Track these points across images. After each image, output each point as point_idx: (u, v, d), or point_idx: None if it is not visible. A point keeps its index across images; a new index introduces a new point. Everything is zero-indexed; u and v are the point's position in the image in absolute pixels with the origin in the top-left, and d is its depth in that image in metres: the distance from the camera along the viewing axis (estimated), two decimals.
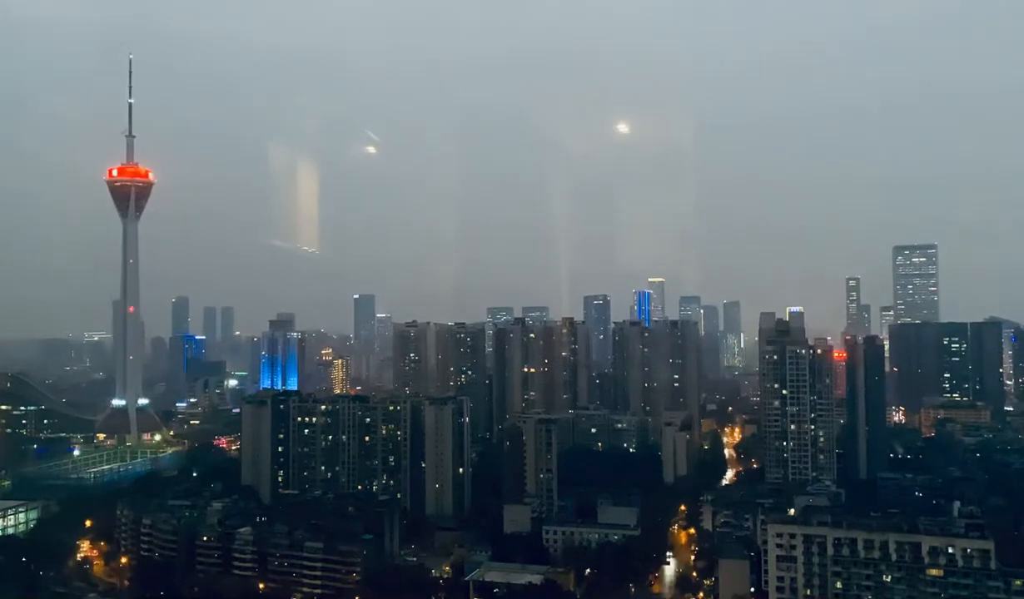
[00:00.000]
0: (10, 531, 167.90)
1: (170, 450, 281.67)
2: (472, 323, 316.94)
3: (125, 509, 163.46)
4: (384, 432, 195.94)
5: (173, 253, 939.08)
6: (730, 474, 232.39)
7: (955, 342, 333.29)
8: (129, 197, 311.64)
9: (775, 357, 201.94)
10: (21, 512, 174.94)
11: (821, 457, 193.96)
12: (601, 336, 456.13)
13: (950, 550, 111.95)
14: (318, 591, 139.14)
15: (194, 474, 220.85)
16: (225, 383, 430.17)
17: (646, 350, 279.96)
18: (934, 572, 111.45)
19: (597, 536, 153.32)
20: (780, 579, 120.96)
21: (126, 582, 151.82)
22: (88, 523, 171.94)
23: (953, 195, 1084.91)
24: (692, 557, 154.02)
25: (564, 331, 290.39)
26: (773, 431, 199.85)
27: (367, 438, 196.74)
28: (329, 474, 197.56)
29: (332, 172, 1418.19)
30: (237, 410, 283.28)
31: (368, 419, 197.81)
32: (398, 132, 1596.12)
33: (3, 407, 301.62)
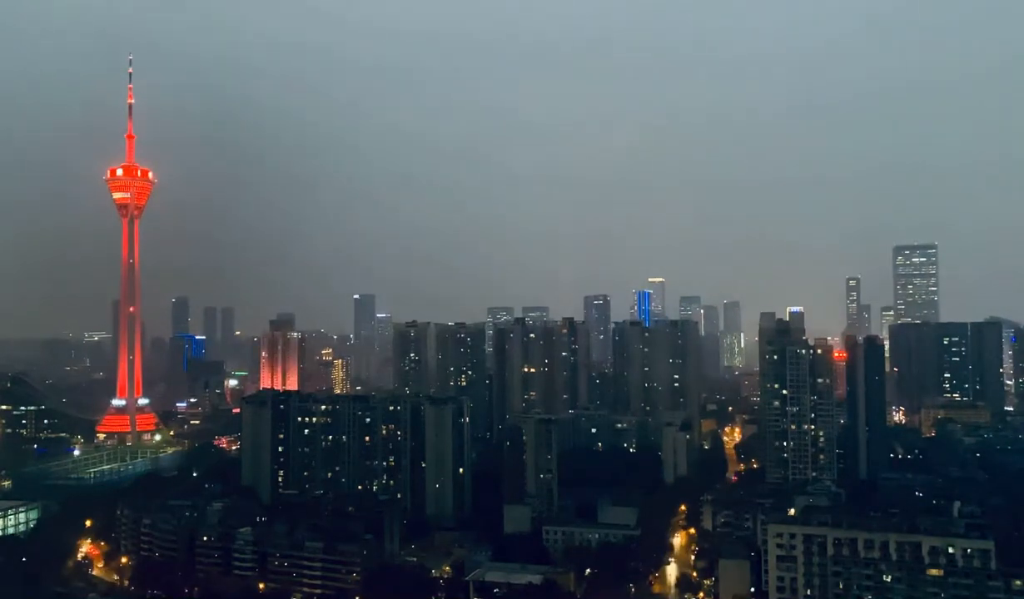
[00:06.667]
0: (10, 531, 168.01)
1: (170, 450, 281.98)
2: (472, 323, 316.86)
3: (125, 509, 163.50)
4: (384, 432, 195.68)
5: (173, 253, 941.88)
6: (730, 474, 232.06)
7: (955, 342, 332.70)
8: (129, 197, 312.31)
9: (775, 357, 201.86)
10: (21, 512, 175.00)
11: (821, 457, 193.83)
12: (601, 336, 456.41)
13: (950, 550, 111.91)
14: (318, 591, 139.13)
15: (194, 474, 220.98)
16: (225, 383, 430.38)
17: (646, 350, 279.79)
18: (934, 572, 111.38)
19: (597, 536, 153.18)
20: (780, 579, 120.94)
21: (126, 582, 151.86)
22: (88, 523, 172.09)
23: (954, 195, 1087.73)
24: (692, 557, 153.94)
25: (564, 331, 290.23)
26: (773, 431, 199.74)
27: (367, 438, 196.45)
28: (329, 474, 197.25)
29: (333, 172, 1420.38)
30: (237, 410, 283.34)
31: (368, 419, 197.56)
32: (398, 132, 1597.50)
33: (3, 407, 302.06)
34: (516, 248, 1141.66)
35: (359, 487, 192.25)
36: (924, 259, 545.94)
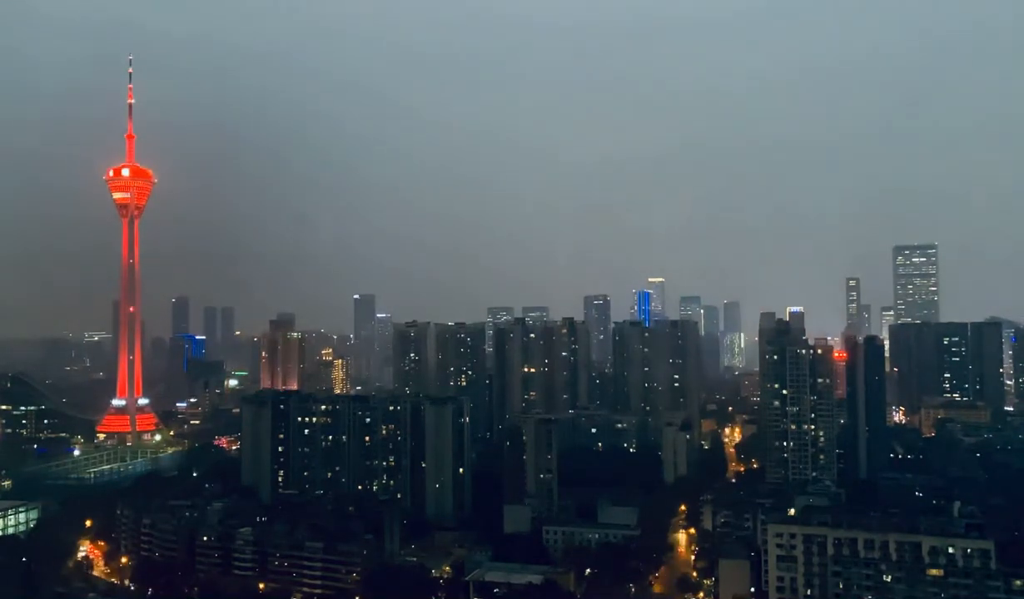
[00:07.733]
0: (10, 531, 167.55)
1: (170, 450, 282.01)
2: (472, 323, 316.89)
3: (125, 509, 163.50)
4: (384, 432, 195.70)
5: (173, 253, 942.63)
6: (730, 474, 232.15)
7: (955, 342, 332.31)
8: (129, 197, 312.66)
9: (775, 357, 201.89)
10: (21, 512, 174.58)
11: (821, 457, 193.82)
12: (601, 336, 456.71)
13: (950, 550, 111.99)
14: (318, 591, 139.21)
15: (194, 474, 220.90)
16: (225, 383, 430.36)
17: (646, 350, 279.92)
18: (934, 572, 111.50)
19: (597, 536, 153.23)
20: (780, 579, 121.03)
21: (126, 582, 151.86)
22: (88, 523, 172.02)
23: (954, 196, 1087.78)
24: (692, 557, 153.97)
25: (564, 331, 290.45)
26: (773, 431, 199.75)
27: (367, 438, 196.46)
28: (329, 474, 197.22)
29: (333, 172, 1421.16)
30: (237, 410, 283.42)
31: (368, 419, 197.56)
32: (398, 132, 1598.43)
33: (3, 407, 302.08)
34: (516, 248, 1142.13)
35: (359, 487, 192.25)
36: (924, 259, 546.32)
